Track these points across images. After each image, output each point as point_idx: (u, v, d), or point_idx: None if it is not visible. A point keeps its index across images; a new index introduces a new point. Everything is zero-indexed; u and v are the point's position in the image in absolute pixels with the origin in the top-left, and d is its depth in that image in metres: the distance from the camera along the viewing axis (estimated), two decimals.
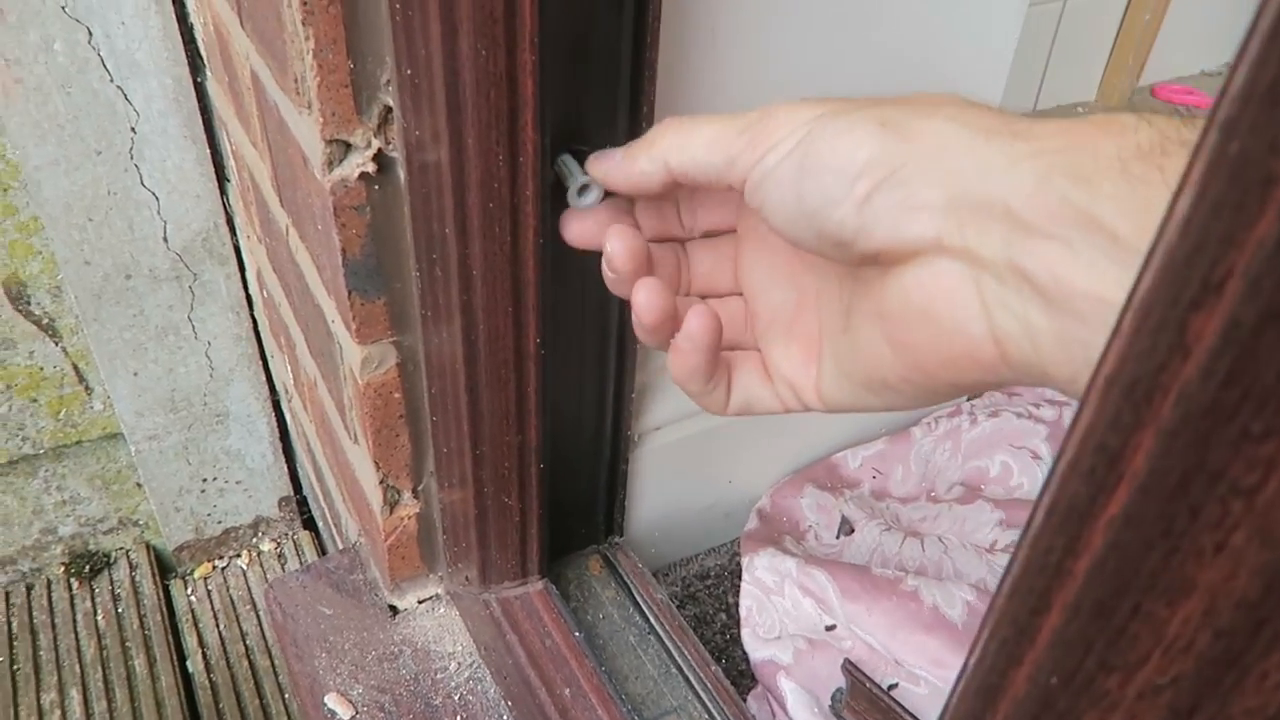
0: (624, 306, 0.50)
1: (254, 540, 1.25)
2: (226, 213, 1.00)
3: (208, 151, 0.95)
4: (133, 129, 0.91)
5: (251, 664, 1.12)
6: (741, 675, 0.77)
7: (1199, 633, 0.17)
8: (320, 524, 1.20)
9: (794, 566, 0.77)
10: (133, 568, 1.18)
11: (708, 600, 0.83)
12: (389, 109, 0.48)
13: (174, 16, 0.87)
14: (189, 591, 1.20)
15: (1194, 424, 0.15)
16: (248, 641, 1.14)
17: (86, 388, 1.06)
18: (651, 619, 0.66)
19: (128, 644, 1.10)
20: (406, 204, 0.49)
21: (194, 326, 1.05)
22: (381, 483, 0.63)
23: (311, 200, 0.55)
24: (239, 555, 1.24)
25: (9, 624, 1.10)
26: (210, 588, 1.20)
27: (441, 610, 0.70)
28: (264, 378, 1.12)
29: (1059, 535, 0.19)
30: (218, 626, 1.15)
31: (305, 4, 0.44)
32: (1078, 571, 0.18)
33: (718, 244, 0.43)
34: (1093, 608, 0.18)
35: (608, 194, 0.42)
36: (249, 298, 1.06)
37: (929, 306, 0.31)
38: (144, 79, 0.89)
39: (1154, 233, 0.16)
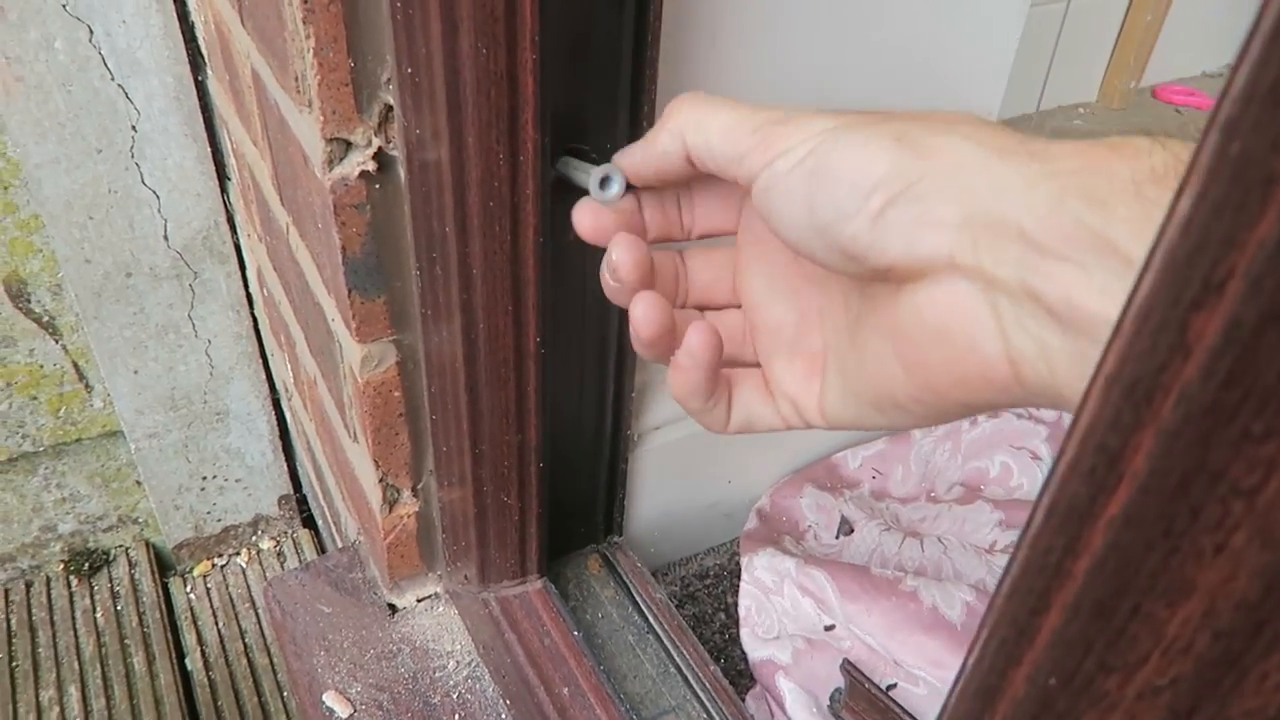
0: (623, 309, 0.50)
1: (253, 538, 1.25)
2: (227, 211, 1.00)
3: (208, 150, 0.95)
4: (133, 127, 0.91)
5: (250, 662, 1.12)
6: (740, 675, 0.77)
7: (1198, 634, 0.17)
8: (320, 522, 1.20)
9: (793, 566, 0.77)
10: (132, 565, 1.18)
11: (707, 600, 0.83)
12: (389, 107, 0.48)
13: (175, 15, 0.87)
14: (188, 589, 1.20)
15: (1194, 424, 0.15)
16: (246, 639, 1.14)
17: (86, 385, 1.06)
18: (650, 618, 0.66)
19: (126, 641, 1.10)
20: (407, 202, 0.49)
21: (194, 325, 1.05)
22: (381, 481, 0.63)
23: (312, 198, 0.55)
24: (238, 553, 1.24)
25: (8, 621, 1.11)
26: (209, 586, 1.20)
27: (440, 609, 0.70)
28: (264, 376, 1.12)
29: (1059, 535, 0.19)
30: (217, 624, 1.15)
31: (306, 2, 0.44)
32: (1077, 572, 0.18)
33: (717, 255, 0.42)
34: (1092, 608, 0.18)
35: (628, 190, 0.42)
36: (249, 296, 1.06)
37: (944, 326, 0.30)
38: (145, 77, 0.89)
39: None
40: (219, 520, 1.22)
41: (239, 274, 1.04)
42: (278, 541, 1.26)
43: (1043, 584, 0.19)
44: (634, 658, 0.64)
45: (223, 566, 1.23)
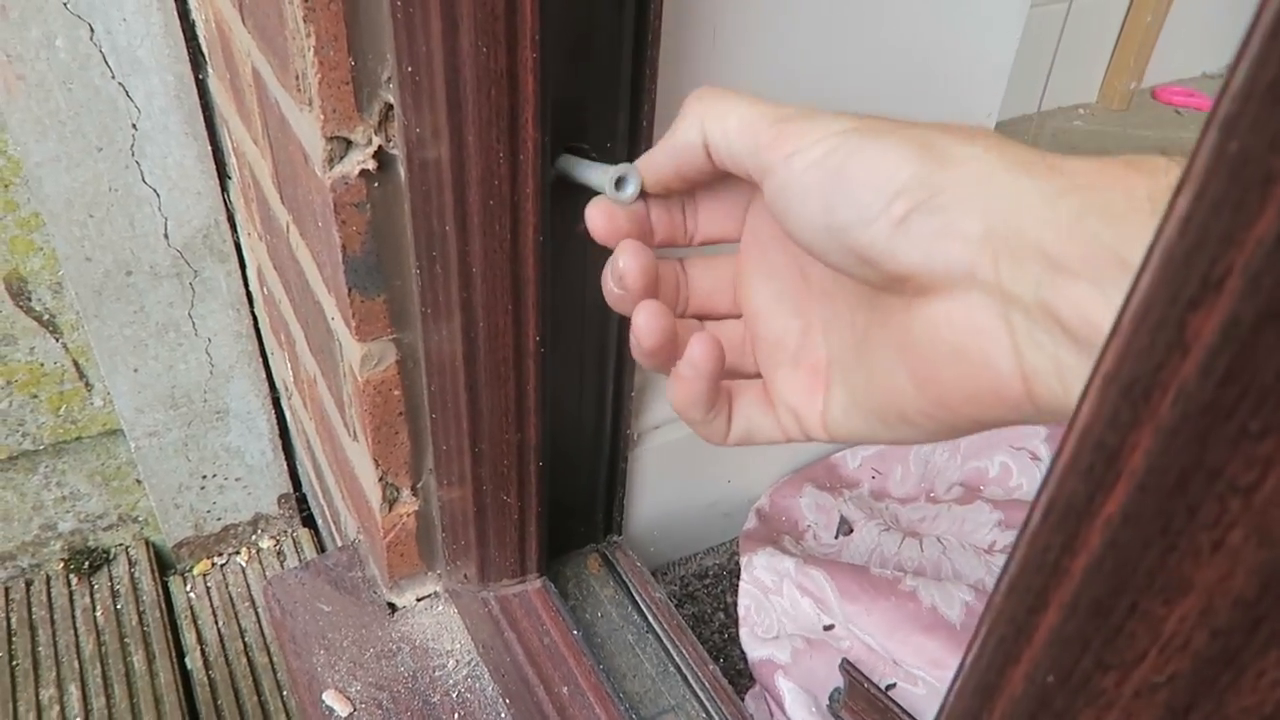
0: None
1: (253, 537, 1.25)
2: (227, 209, 1.00)
3: (209, 148, 0.95)
4: (134, 125, 0.91)
5: (250, 661, 1.12)
6: (739, 674, 0.77)
7: (1196, 631, 0.17)
8: (319, 521, 1.20)
9: (793, 566, 0.77)
10: (132, 564, 1.18)
11: (706, 599, 0.83)
12: (390, 106, 0.48)
13: (175, 13, 0.87)
14: (188, 588, 1.20)
15: (1192, 422, 0.15)
16: (246, 638, 1.14)
17: (87, 384, 1.06)
18: (650, 618, 0.66)
19: (126, 640, 1.10)
20: (407, 201, 0.49)
21: (194, 323, 1.05)
22: (380, 480, 0.63)
23: (312, 197, 0.55)
24: (238, 552, 1.25)
25: (8, 620, 1.11)
26: (209, 584, 1.20)
27: (440, 608, 0.70)
28: (264, 375, 1.12)
29: (1057, 533, 0.19)
30: (216, 623, 1.15)
31: (306, 1, 0.44)
32: (1075, 570, 0.18)
33: (718, 263, 0.42)
34: (1090, 606, 0.18)
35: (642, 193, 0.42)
36: (249, 295, 1.06)
37: (959, 341, 0.30)
38: (145, 76, 0.89)
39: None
40: (219, 519, 1.22)
41: (239, 272, 1.04)
42: (277, 540, 1.26)
43: (1041, 582, 0.19)
44: (633, 657, 0.64)
45: (222, 565, 1.23)
